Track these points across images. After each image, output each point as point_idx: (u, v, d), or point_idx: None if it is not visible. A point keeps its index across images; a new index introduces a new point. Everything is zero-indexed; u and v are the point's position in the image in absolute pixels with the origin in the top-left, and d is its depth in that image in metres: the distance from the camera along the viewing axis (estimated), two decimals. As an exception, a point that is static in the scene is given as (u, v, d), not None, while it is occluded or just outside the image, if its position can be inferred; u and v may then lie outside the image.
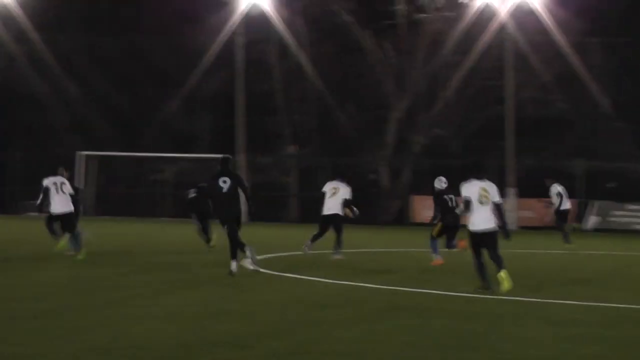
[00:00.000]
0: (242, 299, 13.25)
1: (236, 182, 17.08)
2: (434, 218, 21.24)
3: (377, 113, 50.84)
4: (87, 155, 48.41)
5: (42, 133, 53.07)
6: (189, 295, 13.54)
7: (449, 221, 20.77)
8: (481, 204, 14.77)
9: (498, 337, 10.23)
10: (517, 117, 46.67)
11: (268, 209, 43.99)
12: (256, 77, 50.10)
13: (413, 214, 46.94)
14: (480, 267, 14.71)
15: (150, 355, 8.79)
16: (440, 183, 21.30)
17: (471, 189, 14.90)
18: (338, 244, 21.61)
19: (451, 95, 49.04)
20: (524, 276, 16.92)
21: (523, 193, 45.17)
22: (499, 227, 14.88)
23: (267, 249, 22.45)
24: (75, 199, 21.38)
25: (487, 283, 14.63)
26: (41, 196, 20.64)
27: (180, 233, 31.05)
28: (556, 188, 27.57)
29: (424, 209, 43.36)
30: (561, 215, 27.73)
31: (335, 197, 21.86)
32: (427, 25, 48.59)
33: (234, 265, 16.78)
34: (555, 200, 27.65)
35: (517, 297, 13.91)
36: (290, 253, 22.35)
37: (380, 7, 48.90)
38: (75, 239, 20.78)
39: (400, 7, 48.94)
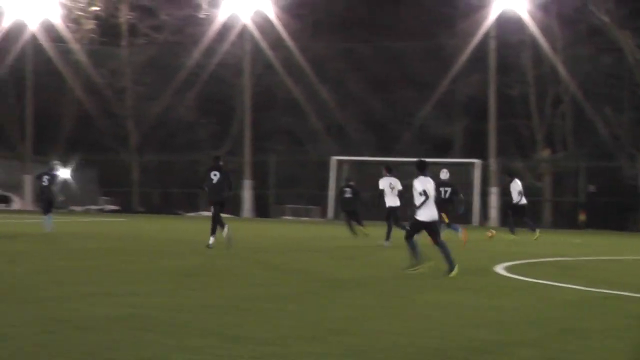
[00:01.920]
0: (493, 305, 13.01)
1: (224, 176, 22.19)
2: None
3: (635, 116, 49.23)
4: (340, 160, 49.69)
5: (298, 137, 54.69)
6: (443, 299, 13.46)
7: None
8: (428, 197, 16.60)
9: None
10: None
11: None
12: (509, 80, 49.83)
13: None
14: (415, 247, 16.74)
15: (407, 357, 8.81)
16: (444, 174, 26.24)
17: (427, 184, 16.46)
18: (388, 234, 24.95)
19: None
20: None
21: None
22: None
23: (520, 255, 22.15)
24: None
25: (418, 261, 16.70)
26: None
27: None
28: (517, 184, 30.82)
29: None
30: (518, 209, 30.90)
31: (394, 191, 24.85)
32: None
33: (212, 240, 21.92)
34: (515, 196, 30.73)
35: None
36: (544, 259, 21.90)
37: (639, 6, 47.30)
38: None
39: (661, 5, 47.00)
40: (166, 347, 8.85)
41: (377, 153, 49.64)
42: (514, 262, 20.31)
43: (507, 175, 33.27)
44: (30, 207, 51.97)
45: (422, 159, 17.19)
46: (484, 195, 47.74)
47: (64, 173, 48.98)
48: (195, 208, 53.07)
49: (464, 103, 52.70)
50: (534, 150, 51.75)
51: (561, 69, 49.22)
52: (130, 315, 10.83)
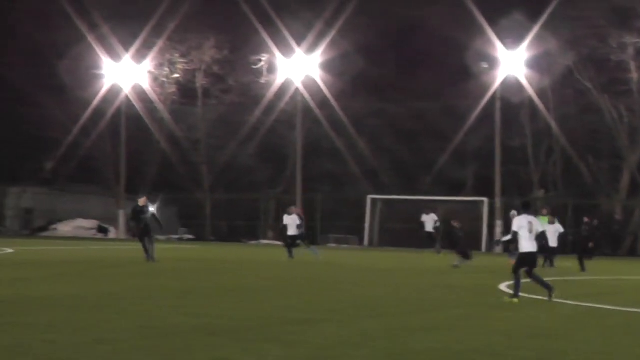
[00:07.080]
0: (501, 317, 13.41)
1: None
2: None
3: (613, 163, 52.32)
4: (374, 199, 53.15)
5: (340, 179, 57.64)
6: (467, 312, 13.86)
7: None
8: (530, 233, 16.21)
9: None
10: None
11: None
12: (511, 133, 53.22)
13: None
14: (519, 280, 16.14)
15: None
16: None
17: (521, 222, 16.29)
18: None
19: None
20: None
21: None
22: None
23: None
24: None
25: (518, 291, 16.09)
26: None
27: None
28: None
29: None
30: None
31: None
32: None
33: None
34: None
35: None
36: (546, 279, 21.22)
37: (616, 75, 50.28)
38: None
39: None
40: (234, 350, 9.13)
41: (404, 193, 53.03)
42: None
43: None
44: (123, 236, 55.12)
45: (525, 201, 17.22)
46: (491, 227, 50.40)
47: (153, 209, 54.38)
48: (256, 237, 56.15)
49: (475, 152, 55.70)
50: (530, 191, 54.59)
51: (553, 125, 52.14)
52: (202, 324, 11.15)
